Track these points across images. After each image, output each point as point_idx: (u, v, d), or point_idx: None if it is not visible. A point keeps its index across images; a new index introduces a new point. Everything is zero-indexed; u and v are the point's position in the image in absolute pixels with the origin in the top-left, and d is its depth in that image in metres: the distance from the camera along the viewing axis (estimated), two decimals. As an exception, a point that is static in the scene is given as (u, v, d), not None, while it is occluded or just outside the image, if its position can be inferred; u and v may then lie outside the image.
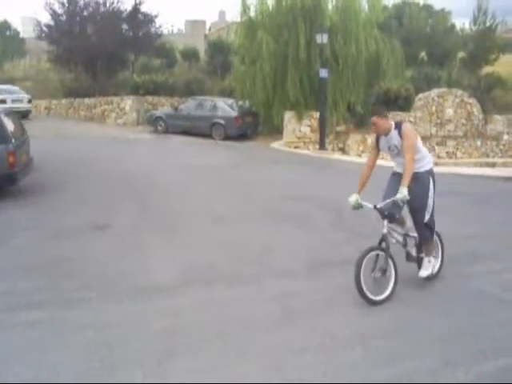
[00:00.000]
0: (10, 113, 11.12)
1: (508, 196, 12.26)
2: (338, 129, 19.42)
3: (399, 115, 17.61)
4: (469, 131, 18.27)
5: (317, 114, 18.53)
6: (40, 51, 32.91)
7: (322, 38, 17.75)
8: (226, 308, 5.23)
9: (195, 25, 46.56)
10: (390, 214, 5.50)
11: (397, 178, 5.68)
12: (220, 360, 4.25)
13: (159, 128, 22.14)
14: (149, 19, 29.87)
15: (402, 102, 18.09)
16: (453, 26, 31.21)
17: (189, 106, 21.83)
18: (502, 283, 6.03)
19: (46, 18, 29.03)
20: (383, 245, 5.48)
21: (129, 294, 5.59)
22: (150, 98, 25.69)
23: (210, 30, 47.19)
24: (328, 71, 18.05)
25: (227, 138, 20.29)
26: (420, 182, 5.59)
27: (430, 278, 5.88)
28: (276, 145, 19.59)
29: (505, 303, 5.51)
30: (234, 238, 7.71)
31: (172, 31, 49.62)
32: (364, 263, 5.24)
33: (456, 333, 4.75)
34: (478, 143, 17.87)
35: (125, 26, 29.39)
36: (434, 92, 18.41)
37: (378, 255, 5.42)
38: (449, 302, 5.48)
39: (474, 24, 24.82)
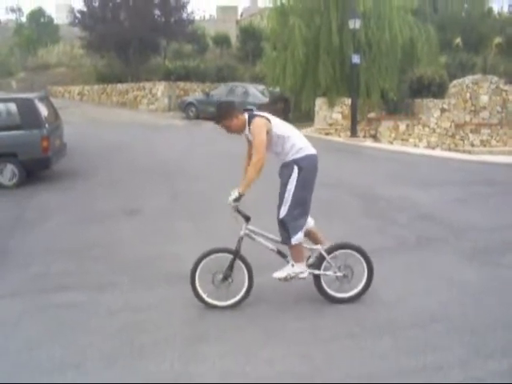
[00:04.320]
0: (43, 98, 11.26)
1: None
2: (370, 116, 19.20)
3: (433, 102, 17.34)
4: (504, 119, 17.88)
5: (348, 101, 18.32)
6: (73, 37, 33.22)
7: (355, 24, 17.50)
8: (256, 295, 5.22)
9: (227, 11, 46.33)
10: (243, 215, 4.96)
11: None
12: (249, 346, 4.26)
13: (190, 114, 22.22)
14: (181, 5, 29.88)
15: (435, 89, 17.77)
16: (490, 10, 30.43)
17: (220, 92, 21.85)
18: (537, 274, 5.90)
19: (79, 5, 29.32)
20: (236, 247, 4.97)
21: (160, 279, 5.64)
22: (181, 84, 25.77)
23: (241, 15, 46.99)
24: (360, 57, 17.82)
25: (258, 124, 20.19)
26: (283, 171, 4.96)
27: (286, 281, 5.08)
28: (307, 131, 19.48)
29: (539, 295, 5.40)
30: (263, 224, 7.69)
31: (204, 17, 49.70)
32: (201, 266, 4.87)
33: (488, 323, 4.67)
34: (514, 131, 17.51)
35: (157, 12, 29.47)
36: (469, 79, 18.06)
37: (223, 258, 4.95)
38: (481, 292, 5.38)
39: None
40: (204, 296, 4.94)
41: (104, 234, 7.24)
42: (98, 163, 12.11)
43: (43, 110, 10.32)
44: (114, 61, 29.60)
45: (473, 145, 17.02)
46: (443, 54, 22.65)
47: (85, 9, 28.93)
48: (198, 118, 21.91)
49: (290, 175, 4.85)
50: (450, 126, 17.39)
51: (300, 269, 4.99)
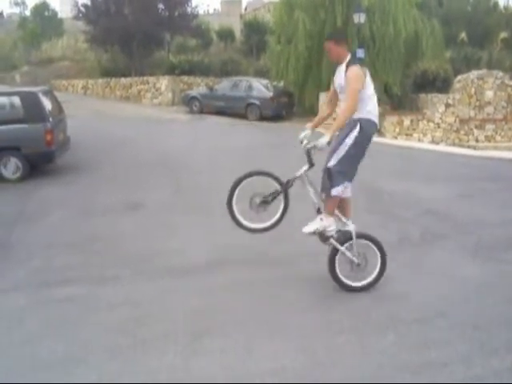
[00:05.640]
0: (47, 91, 11.25)
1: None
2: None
3: (437, 97, 17.27)
4: (509, 114, 17.80)
5: (353, 96, 18.24)
6: (77, 31, 33.19)
7: (360, 18, 17.46)
8: (258, 289, 5.21)
9: (231, 4, 46.23)
10: (310, 160, 4.99)
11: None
12: (251, 340, 4.25)
13: (194, 108, 22.20)
14: (185, -1, 29.81)
15: (440, 84, 17.71)
16: (496, 4, 30.23)
17: (224, 86, 21.81)
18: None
19: (83, -1, 29.14)
20: (287, 181, 5.03)
21: (162, 273, 5.63)
22: (185, 78, 25.73)
23: (245, 9, 46.90)
24: (365, 51, 17.75)
25: (262, 118, 20.23)
26: (346, 126, 4.92)
27: (314, 235, 5.17)
28: (311, 126, 19.40)
29: (544, 291, 5.37)
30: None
31: (208, 11, 49.63)
32: (243, 185, 4.95)
33: (491, 319, 4.65)
34: (519, 127, 17.42)
35: (161, 6, 29.39)
36: (474, 74, 17.95)
37: (266, 182, 5.04)
38: (485, 287, 5.35)
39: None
40: (237, 214, 5.04)
41: (106, 227, 7.23)
42: (101, 157, 12.10)
43: (47, 104, 10.30)
44: (118, 55, 29.56)
45: (477, 140, 16.95)
46: (448, 48, 22.57)
47: (89, 2, 28.89)
48: (201, 112, 21.89)
49: (351, 131, 4.88)
50: (455, 121, 17.32)
51: (328, 222, 5.04)
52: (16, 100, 9.97)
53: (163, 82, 25.41)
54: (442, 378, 3.75)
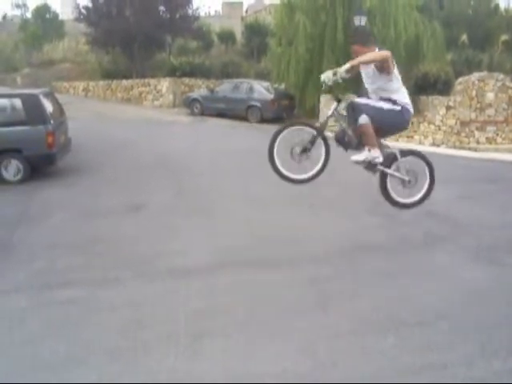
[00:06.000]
0: (48, 94, 11.27)
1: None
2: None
3: (438, 99, 17.27)
4: (510, 116, 17.79)
5: (353, 98, 18.25)
6: (78, 33, 33.23)
7: (361, 21, 17.46)
8: (259, 291, 5.22)
9: (232, 7, 46.27)
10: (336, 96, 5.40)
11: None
12: (252, 341, 4.25)
13: (195, 110, 22.22)
14: (186, 1, 29.78)
15: (441, 86, 17.68)
16: (497, 6, 30.21)
17: (225, 88, 21.82)
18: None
19: (84, 0, 29.27)
20: (321, 124, 5.33)
21: (163, 275, 5.63)
22: (186, 80, 25.74)
23: (247, 12, 46.92)
24: (366, 54, 17.75)
25: (263, 120, 20.22)
26: (388, 102, 5.28)
27: (363, 164, 5.45)
28: (311, 128, 19.41)
29: (544, 293, 5.37)
30: (268, 221, 7.69)
31: (209, 13, 49.61)
32: (281, 136, 5.15)
33: (492, 323, 4.65)
34: (520, 129, 17.40)
35: (162, 8, 29.40)
36: (475, 76, 17.93)
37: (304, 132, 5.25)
38: (486, 290, 5.35)
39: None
40: (279, 166, 5.17)
41: (108, 229, 7.24)
42: (102, 159, 12.12)
43: (48, 106, 10.31)
44: (119, 57, 29.59)
45: (478, 142, 16.93)
46: (449, 51, 22.55)
47: (90, 4, 28.92)
48: (202, 114, 21.91)
49: (392, 105, 5.20)
50: (456, 123, 17.31)
51: (376, 153, 5.27)
52: (17, 102, 9.97)
53: (164, 84, 25.44)
54: (443, 380, 3.76)
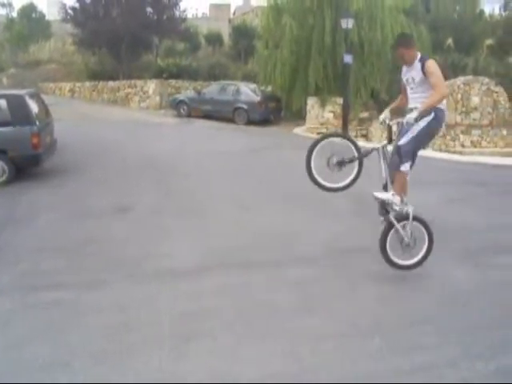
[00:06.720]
0: (34, 94, 11.20)
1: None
2: (362, 115, 19.22)
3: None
4: (494, 120, 17.95)
5: (340, 100, 18.34)
6: (65, 34, 33.08)
7: (348, 24, 17.52)
8: (246, 293, 5.22)
9: (220, 9, 46.37)
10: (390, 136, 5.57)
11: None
12: (239, 344, 4.25)
13: (182, 112, 22.18)
14: (173, 3, 29.79)
15: (426, 89, 17.81)
16: (482, 12, 30.51)
17: (212, 90, 21.82)
18: (526, 275, 5.92)
19: (71, 1, 29.10)
20: (366, 150, 5.50)
21: (150, 277, 5.61)
22: (173, 82, 25.71)
23: (234, 14, 46.97)
24: (353, 57, 17.84)
25: (250, 122, 20.24)
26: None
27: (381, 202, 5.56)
28: (298, 130, 19.47)
29: (528, 295, 5.42)
30: (255, 222, 7.70)
31: (196, 15, 49.57)
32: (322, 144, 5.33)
33: (476, 324, 4.69)
34: (504, 132, 17.53)
35: (149, 9, 29.35)
36: (460, 80, 18.09)
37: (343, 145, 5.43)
38: (470, 293, 5.39)
39: (505, 10, 24.23)
40: (315, 173, 5.37)
41: (95, 231, 7.20)
42: (89, 160, 12.05)
43: (34, 107, 10.25)
44: (106, 58, 29.49)
45: (463, 145, 17.05)
46: (435, 54, 22.67)
47: (77, 5, 28.79)
48: (189, 116, 21.88)
49: (426, 116, 5.25)
50: (441, 126, 17.44)
51: (397, 201, 5.42)
52: (2, 103, 9.89)
53: (151, 86, 25.37)
54: (428, 381, 3.78)
